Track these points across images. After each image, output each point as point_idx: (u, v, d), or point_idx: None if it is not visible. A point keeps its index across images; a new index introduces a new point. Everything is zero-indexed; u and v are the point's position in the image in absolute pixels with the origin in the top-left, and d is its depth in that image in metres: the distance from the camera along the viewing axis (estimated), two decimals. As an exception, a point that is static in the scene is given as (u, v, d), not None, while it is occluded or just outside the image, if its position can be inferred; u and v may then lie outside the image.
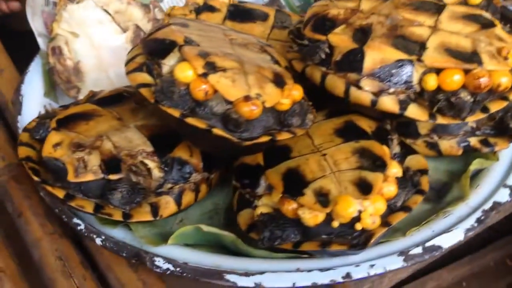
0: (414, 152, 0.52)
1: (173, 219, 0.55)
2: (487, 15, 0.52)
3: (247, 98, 0.44)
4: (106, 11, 0.73)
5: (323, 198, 0.45)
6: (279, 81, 0.47)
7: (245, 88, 0.45)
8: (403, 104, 0.50)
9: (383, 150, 0.48)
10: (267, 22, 0.66)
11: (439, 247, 0.49)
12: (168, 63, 0.47)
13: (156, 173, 0.50)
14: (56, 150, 0.48)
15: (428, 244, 0.49)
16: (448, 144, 0.57)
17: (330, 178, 0.46)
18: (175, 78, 0.45)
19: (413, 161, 0.51)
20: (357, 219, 0.44)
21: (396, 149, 0.51)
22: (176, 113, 0.44)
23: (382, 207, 0.45)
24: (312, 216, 0.45)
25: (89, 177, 0.47)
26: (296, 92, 0.48)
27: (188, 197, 0.52)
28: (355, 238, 0.45)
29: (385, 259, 0.48)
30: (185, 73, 0.45)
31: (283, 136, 0.46)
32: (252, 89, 0.45)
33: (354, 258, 0.48)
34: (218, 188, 0.57)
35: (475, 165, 0.55)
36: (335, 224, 0.45)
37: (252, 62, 0.48)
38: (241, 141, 0.44)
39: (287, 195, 0.46)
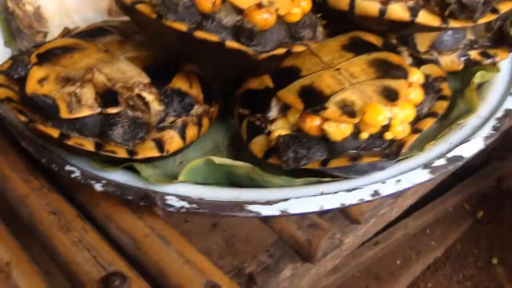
0: (426, 61, 0.50)
1: (172, 162, 0.51)
2: None
3: (260, 6, 0.40)
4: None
5: (349, 109, 0.41)
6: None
7: (256, -3, 0.40)
8: (414, 11, 0.47)
9: (400, 59, 0.46)
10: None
11: (461, 157, 0.47)
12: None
13: (156, 106, 0.45)
14: (43, 86, 0.42)
15: (450, 155, 0.47)
16: (448, 59, 0.55)
17: (350, 90, 0.43)
18: (176, -6, 0.40)
19: (429, 69, 0.48)
20: (386, 128, 0.42)
21: (409, 60, 0.49)
22: (183, 27, 0.39)
23: (411, 113, 0.42)
24: (339, 129, 0.41)
25: (85, 111, 0.42)
26: (304, 2, 0.44)
27: (192, 131, 0.47)
28: (386, 148, 0.42)
29: (411, 173, 0.45)
30: (189, -14, 0.40)
31: (298, 49, 0.43)
32: (263, -2, 0.40)
33: (379, 175, 0.45)
34: (216, 125, 0.53)
35: (477, 78, 0.54)
36: (364, 135, 0.42)
37: None
38: (256, 54, 0.40)
39: (308, 109, 0.42)
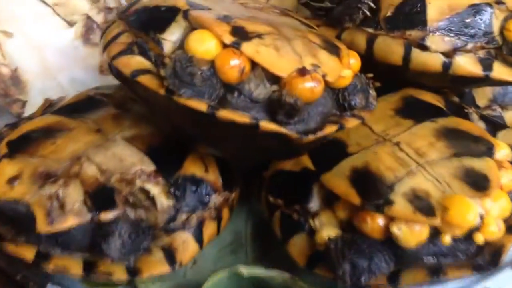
0: (502, 125, 0.40)
1: (184, 263, 0.40)
2: None
3: (303, 71, 0.30)
4: (44, 2, 0.56)
5: (424, 204, 0.31)
6: (331, 47, 0.33)
7: (295, 57, 0.30)
8: (486, 64, 0.37)
9: (477, 128, 0.36)
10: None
11: None
12: (170, 37, 0.32)
13: (164, 201, 0.34)
14: (14, 187, 0.31)
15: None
16: (514, 116, 0.46)
17: (420, 174, 0.33)
18: (191, 54, 0.30)
19: (508, 137, 0.38)
20: (476, 227, 0.31)
21: (481, 125, 0.39)
22: (202, 106, 0.29)
23: (508, 205, 0.32)
24: (412, 233, 0.31)
25: (70, 221, 0.31)
26: (354, 60, 0.34)
27: (210, 229, 0.37)
28: (476, 255, 0.31)
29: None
30: (205, 45, 0.30)
31: (352, 123, 0.33)
32: (305, 59, 0.31)
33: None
34: (235, 210, 0.42)
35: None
36: (446, 239, 0.31)
37: (286, 25, 0.34)
38: (301, 137, 0.30)
39: (368, 206, 0.32)
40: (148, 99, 0.33)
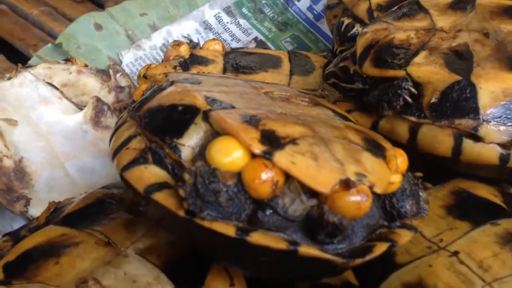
0: None
1: None
2: None
3: (347, 184, 0.25)
4: (50, 84, 0.53)
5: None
6: (375, 147, 0.29)
7: (337, 166, 0.26)
8: (550, 154, 0.32)
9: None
10: (281, 68, 0.49)
11: None
12: (189, 143, 0.28)
13: (184, 327, 0.29)
14: (8, 326, 0.26)
15: None
16: None
17: (490, 296, 0.28)
18: (214, 167, 0.25)
19: None
20: None
21: (546, 223, 0.33)
22: (230, 230, 0.24)
23: None
24: None
25: None
26: (401, 159, 0.29)
27: None
28: None
29: None
30: (231, 155, 0.25)
31: (405, 238, 0.28)
32: (348, 167, 0.26)
33: None
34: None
35: None
36: None
37: (320, 122, 0.30)
38: (348, 262, 0.25)
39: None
40: (166, 218, 0.29)
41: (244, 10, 0.72)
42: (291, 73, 0.48)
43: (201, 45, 0.52)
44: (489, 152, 0.33)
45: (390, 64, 0.36)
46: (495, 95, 0.33)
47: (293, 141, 0.26)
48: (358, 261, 0.25)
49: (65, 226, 0.33)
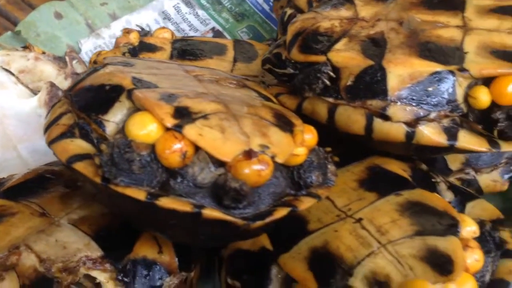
0: (471, 195, 0.38)
1: None
2: (521, 4, 0.40)
3: (249, 154, 0.28)
4: (7, 70, 0.55)
5: (385, 289, 0.29)
6: (284, 123, 0.32)
7: (242, 139, 0.29)
8: (451, 133, 0.36)
9: (442, 201, 0.34)
10: (226, 55, 0.51)
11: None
12: (113, 119, 0.30)
13: (112, 288, 0.32)
14: None
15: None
16: (489, 179, 0.44)
17: (381, 255, 0.31)
18: (130, 138, 0.28)
19: (477, 209, 0.36)
20: (440, 314, 0.29)
21: (449, 196, 0.37)
22: (140, 194, 0.27)
23: (474, 288, 0.30)
24: (374, 321, 0.29)
25: (4, 319, 0.29)
26: (309, 135, 0.32)
27: (166, 313, 0.34)
28: None
29: None
30: (145, 128, 0.28)
31: (306, 204, 0.31)
32: (253, 139, 0.29)
33: None
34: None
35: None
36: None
37: (238, 100, 0.33)
38: (248, 224, 0.28)
39: (326, 292, 0.30)
40: (93, 188, 0.31)
41: (203, 1, 0.74)
42: (235, 60, 0.51)
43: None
44: (396, 130, 0.36)
45: (313, 50, 0.39)
46: (402, 79, 0.36)
47: (205, 116, 0.29)
48: (259, 223, 0.28)
49: (5, 199, 0.35)
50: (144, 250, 0.34)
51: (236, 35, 0.72)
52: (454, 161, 0.44)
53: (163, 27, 0.54)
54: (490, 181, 0.43)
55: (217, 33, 0.72)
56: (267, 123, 0.31)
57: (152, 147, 0.28)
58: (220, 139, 0.28)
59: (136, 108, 0.30)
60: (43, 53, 0.59)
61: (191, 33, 0.72)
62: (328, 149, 0.33)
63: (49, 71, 0.58)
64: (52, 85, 0.53)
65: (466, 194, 0.37)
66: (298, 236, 0.33)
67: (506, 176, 0.43)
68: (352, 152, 0.40)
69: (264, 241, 0.34)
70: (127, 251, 0.33)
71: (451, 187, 0.37)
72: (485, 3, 0.41)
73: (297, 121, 0.33)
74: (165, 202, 0.27)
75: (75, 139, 0.30)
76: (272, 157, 0.29)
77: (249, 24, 0.73)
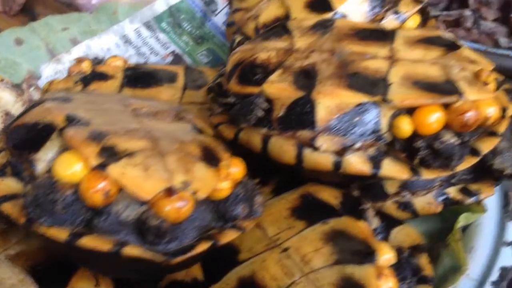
0: (396, 221, 0.39)
1: None
2: (447, 35, 0.42)
3: (169, 192, 0.29)
4: (-36, 97, 0.56)
5: (303, 318, 0.30)
6: (210, 158, 0.33)
7: (164, 176, 0.30)
8: (376, 161, 0.37)
9: (364, 230, 0.35)
10: (176, 83, 0.53)
11: None
12: (44, 157, 0.32)
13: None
14: None
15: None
16: (424, 201, 0.45)
17: (302, 285, 0.32)
18: (55, 178, 0.29)
19: (401, 235, 0.38)
20: None
21: (375, 222, 0.39)
22: (62, 234, 0.28)
23: (386, 316, 0.31)
24: None
25: None
26: (236, 168, 0.34)
27: None
28: None
29: None
30: (71, 168, 0.30)
31: (229, 237, 0.32)
32: (176, 176, 0.30)
33: None
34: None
35: (461, 222, 0.44)
36: None
37: (169, 136, 0.34)
38: (168, 259, 0.29)
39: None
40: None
41: (164, 24, 0.76)
42: (185, 88, 0.52)
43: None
44: (324, 160, 0.37)
45: (250, 81, 0.41)
46: (330, 110, 0.38)
47: (130, 154, 0.30)
48: (180, 258, 0.29)
49: None
50: (81, 284, 0.35)
51: (196, 58, 0.74)
52: (391, 185, 0.45)
53: (116, 56, 0.55)
54: (425, 204, 0.45)
55: (177, 57, 0.74)
56: (193, 159, 0.32)
57: (76, 186, 0.29)
58: (142, 177, 0.29)
59: (66, 147, 0.31)
60: (1, 80, 0.60)
61: (152, 57, 0.73)
62: (256, 180, 0.35)
63: (7, 98, 0.59)
64: (7, 113, 0.54)
65: (391, 220, 0.39)
66: (229, 266, 0.35)
67: (440, 199, 0.45)
68: (289, 180, 0.42)
69: (196, 272, 0.36)
70: (63, 285, 0.34)
71: (378, 213, 0.39)
72: (413, 34, 0.43)
73: (224, 155, 0.34)
74: (86, 241, 0.28)
75: (5, 178, 0.31)
76: (193, 193, 0.30)
77: (209, 47, 0.75)
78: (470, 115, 0.36)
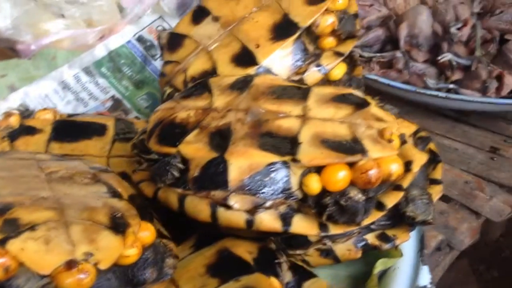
0: (309, 274, 0.41)
1: None
2: (357, 93, 0.45)
3: (70, 265, 0.30)
4: None
5: None
6: (118, 225, 0.34)
7: (66, 248, 0.31)
8: (286, 218, 0.39)
9: (274, 286, 0.37)
10: (105, 135, 0.54)
11: None
12: None
13: None
14: None
15: None
16: (344, 248, 0.47)
17: None
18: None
19: (313, 288, 0.40)
20: None
21: (288, 276, 0.40)
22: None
23: None
24: None
25: None
26: (145, 233, 0.35)
27: None
28: None
29: None
30: (-30, 243, 0.30)
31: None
32: (78, 248, 0.31)
33: None
34: None
35: (378, 267, 0.46)
36: None
37: (78, 204, 0.35)
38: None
39: None
40: None
41: (103, 69, 0.77)
42: (114, 140, 0.53)
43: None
44: (237, 218, 0.39)
45: (167, 141, 0.42)
46: (242, 170, 0.39)
47: (32, 227, 0.31)
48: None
49: None
50: None
51: (136, 103, 0.75)
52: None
53: (45, 108, 0.55)
54: (345, 250, 0.47)
55: (116, 101, 0.74)
56: (99, 227, 0.33)
57: (-23, 263, 0.30)
58: (42, 251, 0.30)
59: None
60: None
61: (91, 102, 0.74)
62: (170, 243, 0.36)
63: None
64: None
65: (304, 274, 0.41)
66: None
67: (359, 245, 0.46)
68: (210, 234, 0.43)
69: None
70: None
71: (292, 267, 0.40)
72: (326, 91, 0.45)
73: (133, 221, 0.35)
74: (-15, 317, 0.29)
75: None
76: (96, 264, 0.31)
77: (149, 91, 0.76)
78: (372, 173, 0.38)
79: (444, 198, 0.69)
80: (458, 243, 0.64)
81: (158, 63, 0.77)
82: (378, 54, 0.82)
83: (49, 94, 0.72)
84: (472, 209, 0.68)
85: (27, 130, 0.53)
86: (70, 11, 0.74)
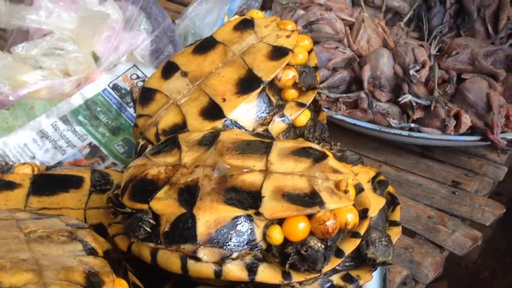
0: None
1: None
2: (316, 146, 0.48)
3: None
4: None
5: None
6: (93, 283, 0.37)
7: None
8: (252, 268, 0.42)
9: None
10: (82, 188, 0.56)
11: None
12: None
13: None
14: None
15: None
16: (312, 289, 0.50)
17: None
18: None
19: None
20: None
21: (256, 322, 0.43)
22: None
23: None
24: None
25: None
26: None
27: None
28: None
29: None
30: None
31: None
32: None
33: None
34: None
35: (345, 307, 0.49)
36: None
37: (56, 263, 0.38)
38: None
39: None
40: None
41: (80, 117, 0.79)
42: (90, 192, 0.56)
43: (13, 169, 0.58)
44: (206, 269, 0.42)
45: (139, 198, 0.45)
46: (209, 224, 0.42)
47: None
48: None
49: None
50: None
51: (112, 149, 0.77)
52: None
53: (24, 163, 0.58)
54: (312, 293, 0.50)
55: (93, 148, 0.77)
56: (76, 286, 0.36)
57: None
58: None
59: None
60: None
61: (69, 149, 0.76)
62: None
63: None
64: None
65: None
66: None
67: (325, 286, 0.49)
68: (184, 282, 0.45)
69: None
70: None
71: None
72: (287, 145, 0.48)
73: (107, 278, 0.38)
74: None
75: None
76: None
77: (124, 137, 0.79)
78: (330, 224, 0.42)
79: (409, 233, 0.73)
80: (423, 277, 0.67)
81: (133, 110, 0.80)
82: (344, 95, 0.86)
83: (28, 144, 0.75)
84: (436, 243, 0.71)
85: (6, 185, 0.55)
86: (47, 63, 0.77)
